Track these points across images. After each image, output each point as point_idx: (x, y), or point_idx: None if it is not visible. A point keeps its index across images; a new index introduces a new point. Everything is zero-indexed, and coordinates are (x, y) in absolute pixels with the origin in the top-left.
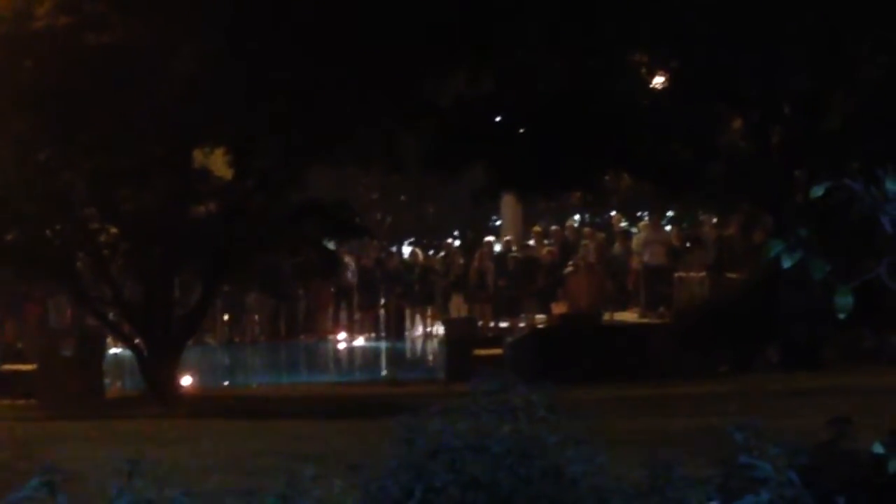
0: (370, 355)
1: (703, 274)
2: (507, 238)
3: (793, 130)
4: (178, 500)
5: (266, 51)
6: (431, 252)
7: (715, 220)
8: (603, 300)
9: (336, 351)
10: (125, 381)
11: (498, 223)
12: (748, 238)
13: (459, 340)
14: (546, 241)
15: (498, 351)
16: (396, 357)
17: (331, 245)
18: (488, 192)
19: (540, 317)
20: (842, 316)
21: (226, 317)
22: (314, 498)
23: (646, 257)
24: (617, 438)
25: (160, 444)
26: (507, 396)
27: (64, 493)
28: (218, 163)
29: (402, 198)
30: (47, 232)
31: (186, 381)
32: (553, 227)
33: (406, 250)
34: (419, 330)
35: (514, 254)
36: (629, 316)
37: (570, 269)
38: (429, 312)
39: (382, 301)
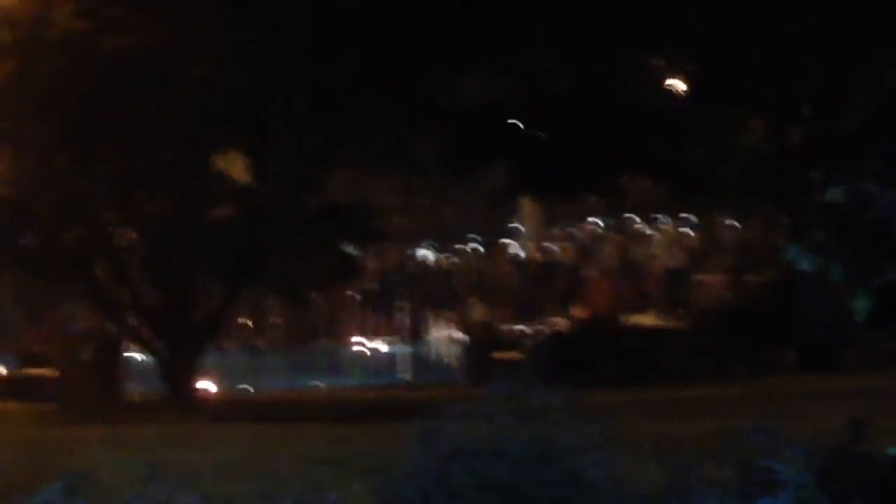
0: (389, 359)
1: (721, 276)
2: (527, 242)
3: (810, 132)
4: (196, 503)
5: (281, 55)
6: (450, 256)
7: (733, 222)
8: (621, 303)
9: (355, 354)
10: (145, 386)
11: (517, 226)
12: (766, 240)
13: (479, 344)
14: (565, 244)
15: (517, 354)
16: (416, 361)
17: (350, 249)
18: (505, 194)
19: (559, 320)
20: (859, 319)
21: (245, 321)
22: (332, 501)
23: (664, 260)
24: (635, 442)
25: (179, 449)
26: (525, 400)
27: (83, 497)
28: (236, 167)
29: (421, 202)
30: (65, 236)
31: (206, 385)
32: (572, 230)
33: (425, 254)
34: (438, 333)
35: (533, 257)
36: (647, 319)
37: (588, 272)
38: (448, 316)
39: (402, 305)
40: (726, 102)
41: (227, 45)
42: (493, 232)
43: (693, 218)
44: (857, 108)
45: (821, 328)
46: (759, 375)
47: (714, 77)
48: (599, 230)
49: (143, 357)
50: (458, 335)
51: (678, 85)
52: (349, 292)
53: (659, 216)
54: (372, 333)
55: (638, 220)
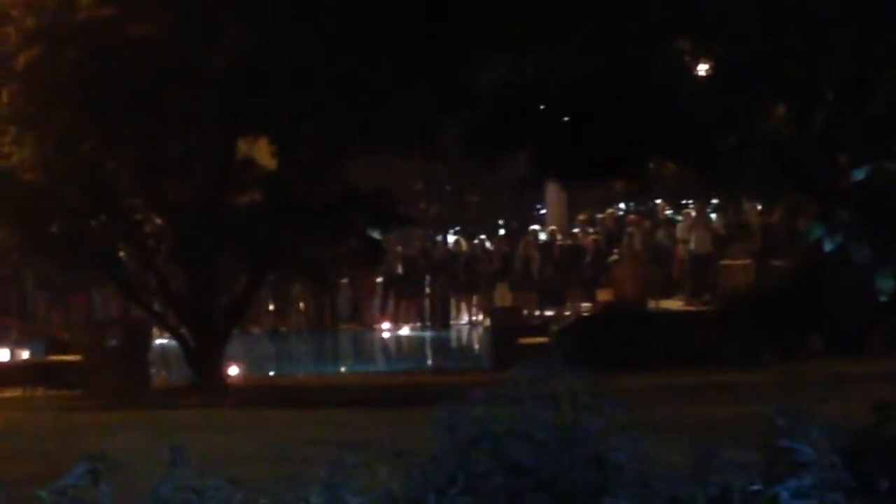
0: (415, 344)
1: (747, 261)
2: (553, 227)
3: (836, 116)
4: (221, 487)
5: (306, 39)
6: (476, 241)
7: (759, 207)
8: (648, 288)
9: (381, 340)
10: (171, 372)
11: (543, 212)
12: (793, 225)
13: (504, 329)
14: (591, 230)
15: (543, 339)
16: (441, 346)
17: (376, 234)
18: (531, 180)
19: (585, 305)
20: (883, 298)
21: (271, 306)
22: (357, 485)
23: (691, 245)
24: (661, 425)
25: (205, 434)
26: (550, 384)
27: (108, 481)
28: (262, 152)
29: (447, 187)
30: (91, 223)
31: (232, 370)
32: (598, 216)
33: (451, 239)
34: (464, 319)
35: (560, 242)
36: (674, 304)
37: (615, 257)
38: (474, 301)
39: (427, 290)
40: (752, 87)
41: (252, 32)
42: (520, 218)
43: (720, 203)
44: (883, 91)
45: (848, 312)
46: (785, 360)
47: (740, 61)
48: (627, 215)
49: (170, 343)
50: (484, 320)
51: (705, 69)
52: (375, 278)
53: (685, 201)
54: (397, 319)
55: (665, 204)
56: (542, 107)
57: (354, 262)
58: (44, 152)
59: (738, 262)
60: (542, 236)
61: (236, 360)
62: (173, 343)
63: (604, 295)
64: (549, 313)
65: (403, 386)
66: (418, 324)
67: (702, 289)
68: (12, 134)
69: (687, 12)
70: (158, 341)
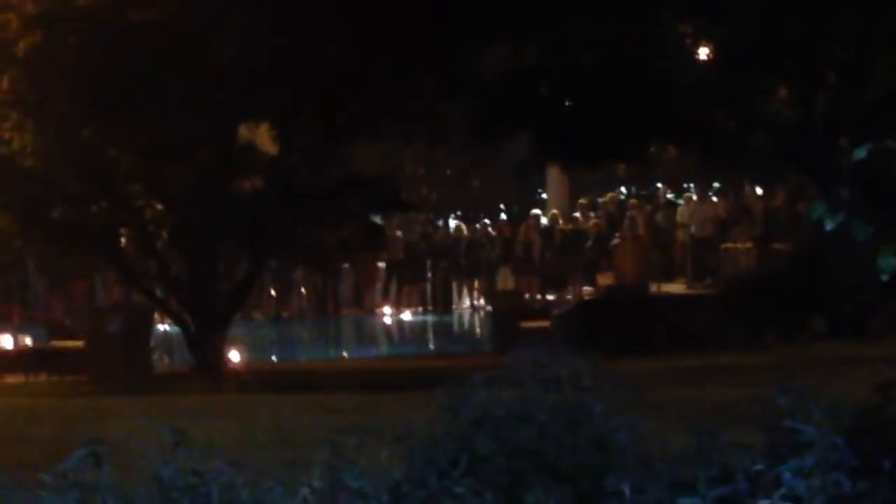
0: (417, 329)
1: (749, 245)
2: (554, 211)
3: (837, 99)
4: (223, 471)
5: (308, 25)
6: (478, 226)
7: (761, 190)
8: (649, 272)
9: (383, 325)
10: (172, 357)
11: (544, 196)
12: (794, 208)
13: (506, 313)
14: (592, 214)
15: (545, 323)
16: (443, 330)
17: (377, 219)
18: (532, 163)
19: (586, 289)
20: (884, 277)
21: (273, 292)
22: (360, 468)
23: (692, 229)
24: (663, 408)
25: (207, 419)
26: (552, 366)
27: (109, 465)
28: (263, 138)
29: (448, 172)
30: (92, 209)
31: (234, 356)
32: (599, 200)
33: (452, 224)
34: (466, 303)
35: (561, 226)
36: (676, 287)
37: (616, 241)
38: (475, 286)
39: (429, 275)
40: (753, 70)
41: (254, 18)
42: (522, 202)
43: (722, 186)
44: (884, 74)
45: (850, 295)
46: (788, 342)
47: (741, 45)
48: (629, 199)
49: (171, 328)
50: (486, 305)
51: (706, 52)
52: (376, 263)
53: (687, 185)
54: (399, 304)
55: (667, 188)
56: (543, 91)
57: (356, 247)
58: (45, 138)
59: (739, 245)
60: (544, 220)
61: (238, 346)
62: (175, 329)
63: (605, 279)
64: (550, 297)
65: (405, 370)
66: (420, 308)
67: (703, 272)
68: (13, 120)
69: None
70: (160, 327)
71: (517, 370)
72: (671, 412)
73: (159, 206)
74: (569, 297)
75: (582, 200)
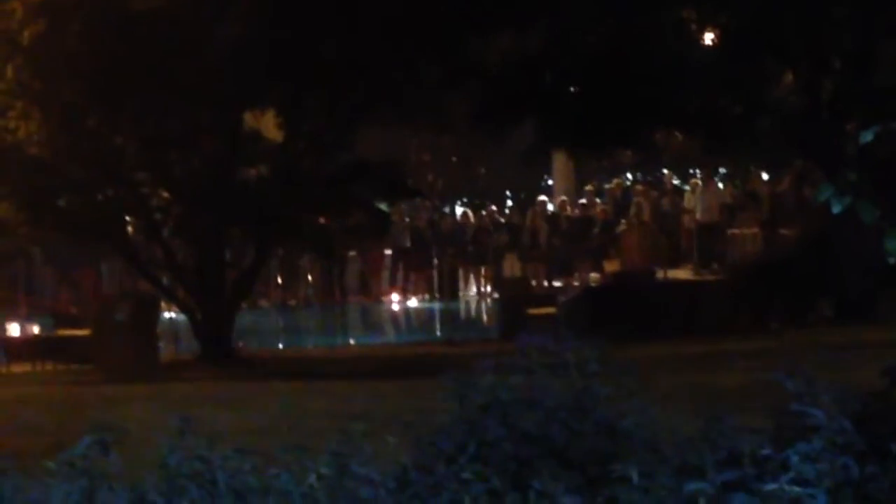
0: (424, 316)
1: (755, 230)
2: (563, 198)
3: (843, 85)
4: (230, 457)
5: (311, 12)
6: (484, 212)
7: (767, 176)
8: (656, 258)
9: (389, 312)
10: (179, 345)
11: (550, 183)
12: (800, 193)
13: (513, 300)
14: (598, 200)
15: (551, 309)
16: (450, 317)
17: (383, 206)
18: (538, 150)
19: (593, 275)
20: (892, 260)
21: (279, 279)
22: (367, 454)
23: (698, 214)
24: (670, 393)
25: (214, 406)
26: (559, 352)
27: (116, 452)
28: (268, 125)
29: (454, 159)
30: (99, 197)
31: (240, 344)
32: (606, 186)
33: (458, 211)
34: (472, 290)
35: (567, 213)
36: (682, 273)
37: (623, 227)
38: (482, 272)
39: (435, 262)
40: (759, 56)
41: (258, 5)
42: (528, 188)
43: (728, 172)
44: (889, 59)
45: (857, 279)
46: (795, 327)
47: (746, 30)
48: (635, 185)
49: (178, 316)
50: (492, 292)
51: (711, 38)
52: (383, 250)
53: (693, 170)
54: (406, 291)
55: (672, 174)
56: (548, 78)
57: (362, 234)
58: (50, 127)
59: (746, 230)
60: (550, 207)
61: (245, 334)
62: (182, 317)
63: (612, 265)
64: (557, 284)
65: (412, 357)
66: (427, 295)
67: (710, 258)
68: (18, 109)
69: None
70: (167, 315)
71: (524, 356)
72: (678, 397)
73: (165, 195)
74: (575, 283)
75: (588, 187)
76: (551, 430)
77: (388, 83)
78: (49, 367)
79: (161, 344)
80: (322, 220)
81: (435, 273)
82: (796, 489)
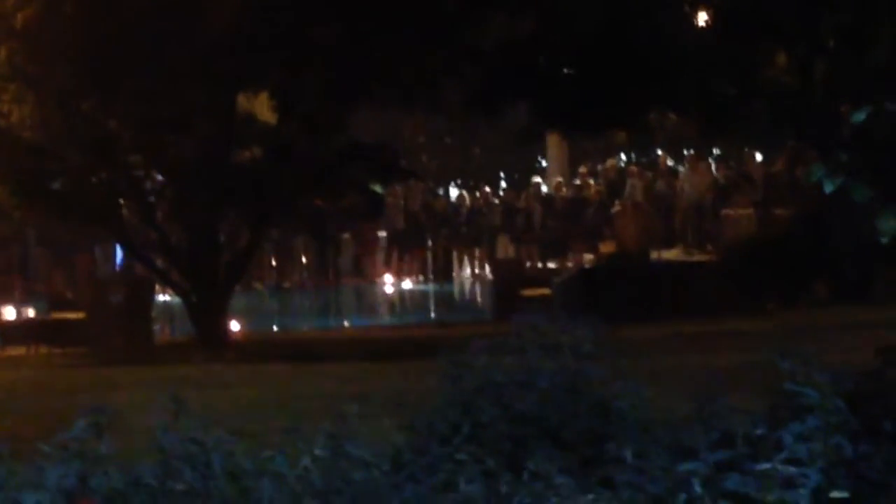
0: (418, 298)
1: (750, 211)
2: (559, 179)
3: (837, 65)
4: (224, 440)
5: None
6: (478, 194)
7: (761, 157)
8: (650, 239)
9: (384, 294)
10: (174, 328)
11: (544, 164)
12: (794, 174)
13: (507, 281)
14: (592, 181)
15: (546, 291)
16: (444, 299)
17: (377, 188)
18: (532, 131)
19: (587, 256)
20: (885, 240)
21: (273, 261)
22: (361, 436)
23: (692, 195)
24: (664, 374)
25: (209, 389)
26: (553, 333)
27: (110, 435)
28: (262, 107)
29: (448, 141)
30: (93, 180)
31: (235, 326)
32: (599, 167)
33: (453, 192)
34: (466, 272)
35: (562, 194)
36: (676, 254)
37: (616, 208)
38: (476, 254)
39: (430, 243)
40: (753, 36)
41: None
42: (522, 170)
43: (722, 153)
44: (885, 39)
45: (851, 260)
46: (789, 308)
47: (740, 10)
48: (627, 166)
49: (172, 299)
50: (486, 273)
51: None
52: (377, 232)
53: (687, 151)
54: (400, 272)
55: (667, 156)
56: (542, 59)
57: (356, 216)
58: (44, 110)
59: (740, 211)
60: (544, 188)
61: (239, 316)
62: (176, 299)
63: (606, 246)
64: (551, 265)
65: (406, 339)
66: (421, 277)
67: (704, 239)
68: (12, 92)
69: None
70: (161, 298)
71: (518, 337)
72: (672, 378)
73: (159, 177)
74: (569, 264)
75: (582, 168)
76: (545, 411)
77: (383, 65)
78: (44, 350)
79: (156, 327)
80: (316, 202)
81: (429, 255)
82: (790, 469)
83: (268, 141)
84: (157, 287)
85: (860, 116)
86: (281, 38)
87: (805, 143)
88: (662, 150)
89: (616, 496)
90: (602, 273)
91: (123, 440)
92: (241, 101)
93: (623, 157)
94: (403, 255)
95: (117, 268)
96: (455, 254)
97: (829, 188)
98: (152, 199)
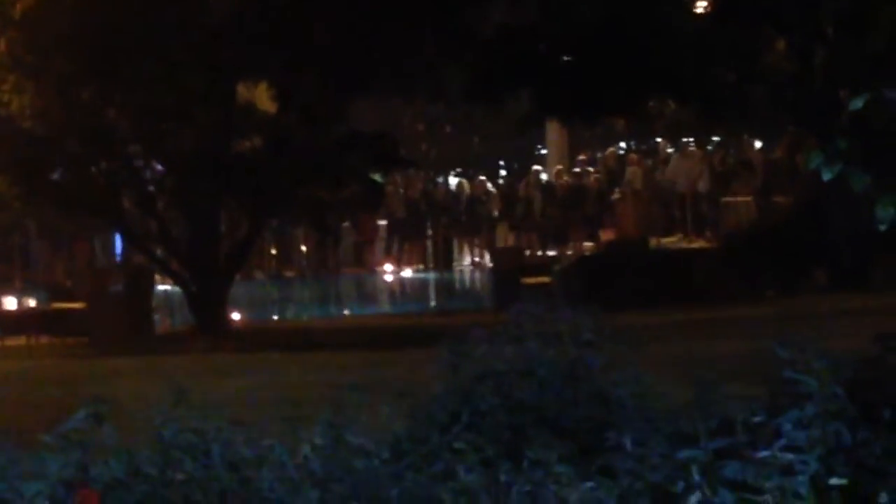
0: (418, 286)
1: (749, 198)
2: (559, 167)
3: (836, 51)
4: (224, 429)
5: None
6: (478, 182)
7: (760, 144)
8: (649, 226)
9: (384, 283)
10: (174, 318)
11: (544, 152)
12: (794, 161)
13: (507, 269)
14: (592, 169)
15: (546, 279)
16: (444, 287)
17: (377, 177)
18: (532, 118)
19: (587, 244)
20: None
21: (273, 251)
22: (361, 425)
23: (692, 183)
24: (663, 361)
25: (208, 378)
26: (553, 322)
27: (111, 424)
28: (262, 97)
29: (448, 129)
30: (92, 170)
31: (235, 315)
32: (599, 155)
33: (452, 181)
34: (466, 260)
35: (562, 182)
36: (676, 241)
37: (616, 196)
38: (476, 242)
39: (430, 232)
40: (752, 23)
41: None
42: (522, 158)
43: (722, 140)
44: (883, 25)
45: (850, 247)
46: (788, 295)
47: None
48: (626, 154)
49: (173, 289)
50: (486, 261)
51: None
52: (377, 221)
53: (686, 139)
54: (400, 261)
55: (666, 143)
56: (542, 47)
57: (356, 205)
58: (43, 100)
59: (739, 198)
60: (544, 176)
61: (239, 305)
62: (176, 289)
63: (606, 234)
64: (551, 253)
65: (406, 327)
66: (421, 266)
67: (703, 226)
68: (11, 82)
69: None
70: (161, 287)
71: (518, 326)
72: (671, 365)
73: (159, 167)
74: (569, 252)
75: (581, 156)
76: (545, 400)
77: (383, 53)
78: (44, 340)
79: (155, 316)
80: (316, 192)
81: (429, 243)
82: (789, 456)
83: (267, 130)
84: (157, 277)
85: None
86: (280, 27)
87: (805, 130)
88: (662, 137)
89: (616, 484)
90: (602, 261)
91: (123, 430)
92: (241, 90)
93: (623, 144)
94: (403, 243)
95: (117, 258)
96: (455, 242)
97: (827, 176)
98: (152, 188)
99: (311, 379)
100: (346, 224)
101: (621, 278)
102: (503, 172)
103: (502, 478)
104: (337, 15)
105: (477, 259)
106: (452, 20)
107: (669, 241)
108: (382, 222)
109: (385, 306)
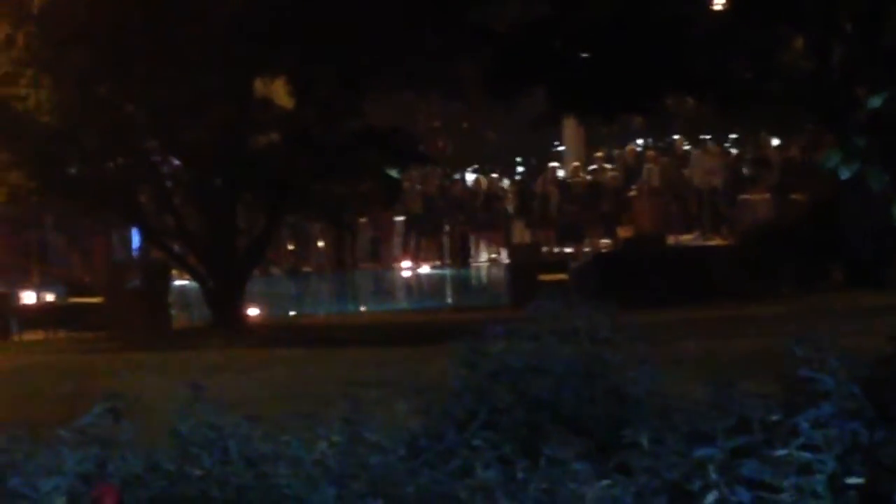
0: (435, 282)
1: (766, 195)
2: (576, 164)
3: (854, 48)
4: (241, 425)
5: None
6: (495, 178)
7: (777, 141)
8: (667, 224)
9: (401, 279)
10: (191, 313)
11: (561, 149)
12: (811, 158)
13: (524, 266)
14: (609, 166)
15: (562, 276)
16: (461, 284)
17: (394, 173)
18: (548, 116)
19: (604, 241)
20: None
21: (291, 246)
22: (378, 421)
23: (709, 180)
24: (680, 359)
25: (226, 374)
26: (569, 319)
27: (128, 420)
28: (279, 92)
29: (465, 125)
30: (110, 165)
31: (252, 311)
32: (616, 152)
33: (469, 177)
34: (483, 256)
35: (579, 179)
36: (693, 239)
37: (633, 192)
38: (493, 239)
39: (447, 229)
40: (769, 19)
41: None
42: (539, 155)
43: (739, 137)
44: None
45: (867, 245)
46: (805, 293)
47: None
48: (644, 151)
49: (190, 284)
50: (504, 258)
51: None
52: (394, 217)
53: (704, 136)
54: (417, 257)
55: (683, 140)
56: (558, 43)
57: (373, 200)
58: (60, 95)
59: (757, 196)
60: (561, 173)
61: (256, 301)
62: (193, 284)
63: (623, 231)
64: (568, 250)
65: (423, 324)
66: (438, 262)
67: (720, 223)
68: (29, 77)
69: None
70: (178, 283)
71: (535, 323)
72: (688, 363)
73: (176, 162)
74: (586, 249)
75: (598, 153)
76: (561, 397)
77: (398, 49)
78: (62, 335)
79: (173, 311)
80: (333, 187)
81: (446, 240)
82: (806, 455)
83: (284, 126)
84: (175, 272)
85: (877, 102)
86: (294, 22)
87: (822, 127)
88: (680, 134)
89: (632, 482)
90: (619, 258)
91: (141, 425)
92: (258, 85)
93: (640, 141)
94: (420, 239)
95: (134, 253)
96: (472, 238)
97: (845, 175)
98: (169, 183)
99: (327, 375)
100: (362, 220)
101: (638, 275)
102: (520, 169)
103: (519, 475)
104: (350, 10)
105: (494, 255)
106: (467, 16)
107: (686, 239)
108: (399, 218)
109: (401, 302)
